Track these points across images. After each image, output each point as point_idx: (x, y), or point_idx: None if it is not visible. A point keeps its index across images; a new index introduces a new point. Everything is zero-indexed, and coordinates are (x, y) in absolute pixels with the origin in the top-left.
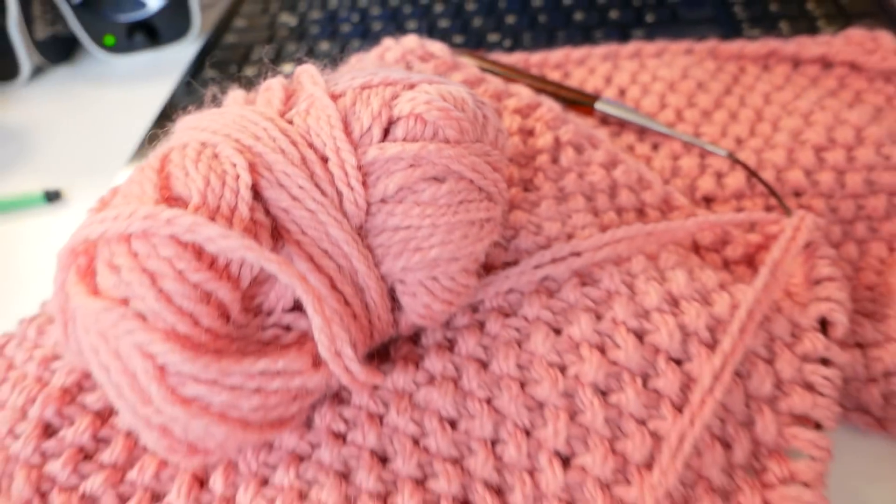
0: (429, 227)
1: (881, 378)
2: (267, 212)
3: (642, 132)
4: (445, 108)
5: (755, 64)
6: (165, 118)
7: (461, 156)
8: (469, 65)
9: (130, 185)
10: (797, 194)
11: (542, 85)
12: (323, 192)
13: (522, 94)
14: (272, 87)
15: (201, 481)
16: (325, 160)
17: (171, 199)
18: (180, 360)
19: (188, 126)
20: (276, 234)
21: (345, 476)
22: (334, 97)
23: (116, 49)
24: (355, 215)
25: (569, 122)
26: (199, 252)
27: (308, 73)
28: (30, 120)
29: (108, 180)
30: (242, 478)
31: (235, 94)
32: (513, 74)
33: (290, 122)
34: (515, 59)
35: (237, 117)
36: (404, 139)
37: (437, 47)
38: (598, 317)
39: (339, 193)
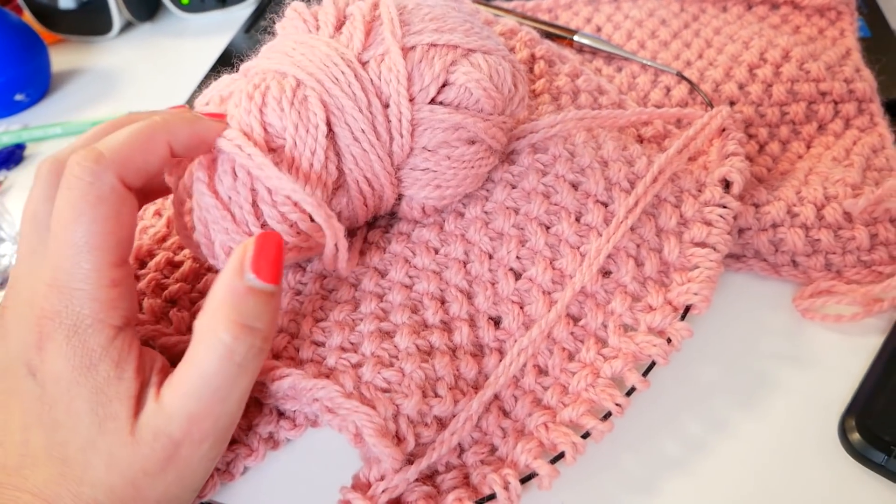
0: (451, 174)
1: (770, 228)
2: (335, 143)
3: (610, 59)
4: (489, 89)
5: (714, 6)
6: (224, 62)
7: (489, 128)
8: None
9: (238, 107)
10: (731, 103)
11: (530, 22)
12: (378, 136)
13: (508, 22)
14: (356, 22)
15: None
16: (386, 105)
17: (266, 125)
18: None
19: (284, 50)
20: (339, 156)
21: (354, 286)
22: (405, 50)
23: (191, 9)
24: (398, 156)
25: (543, 43)
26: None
27: (388, 13)
28: (119, 65)
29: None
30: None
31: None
32: (504, 13)
33: (365, 64)
34: (513, 4)
35: (324, 57)
36: (452, 102)
37: None
38: (545, 174)
39: (391, 138)
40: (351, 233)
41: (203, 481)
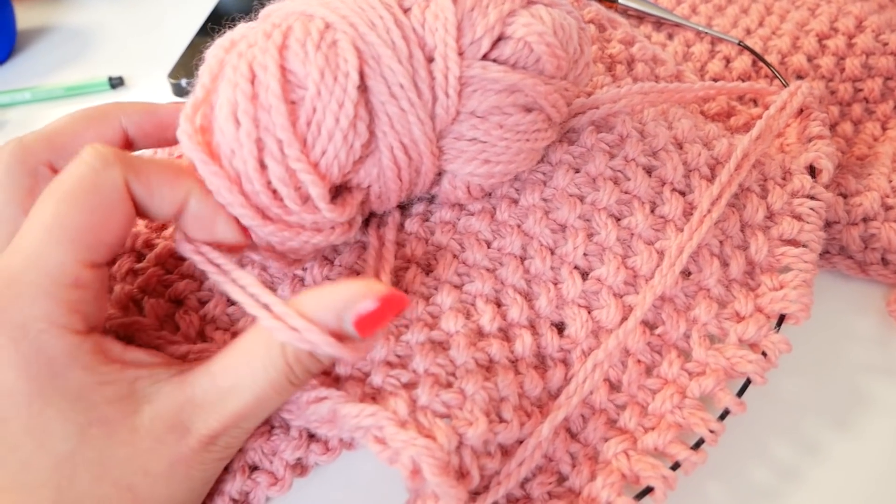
0: (503, 147)
1: (861, 222)
2: (368, 100)
3: (659, 24)
4: (553, 45)
5: None
6: (215, 20)
7: (549, 93)
8: None
9: (251, 47)
10: (799, 77)
11: None
12: (419, 93)
13: None
14: None
15: (273, 288)
16: (430, 59)
17: (285, 71)
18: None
19: None
20: (372, 116)
21: (394, 284)
22: None
23: None
24: (442, 120)
25: (591, 4)
26: None
27: None
28: (94, 22)
29: (165, 70)
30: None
31: None
32: None
33: (408, 11)
34: None
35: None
36: (508, 60)
37: None
38: (612, 156)
39: (435, 98)
40: (379, 219)
41: (208, 488)
